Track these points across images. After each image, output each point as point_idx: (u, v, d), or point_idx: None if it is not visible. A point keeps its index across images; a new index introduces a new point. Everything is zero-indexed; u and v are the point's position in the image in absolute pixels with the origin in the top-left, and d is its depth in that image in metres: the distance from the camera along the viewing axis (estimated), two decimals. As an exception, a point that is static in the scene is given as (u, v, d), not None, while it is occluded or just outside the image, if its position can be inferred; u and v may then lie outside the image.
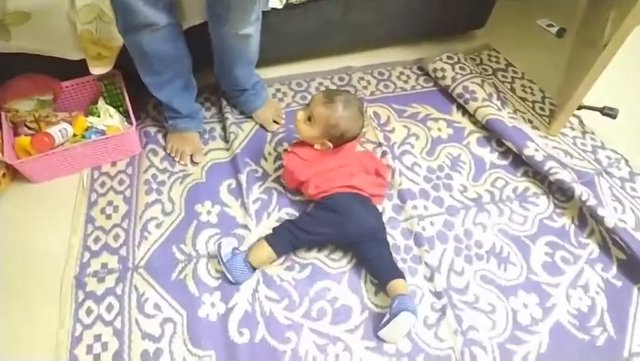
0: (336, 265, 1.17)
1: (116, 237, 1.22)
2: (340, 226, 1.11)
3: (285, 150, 1.28)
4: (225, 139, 1.45)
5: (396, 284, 1.05)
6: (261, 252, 1.11)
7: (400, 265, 1.16)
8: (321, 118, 1.11)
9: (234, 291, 1.11)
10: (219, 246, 1.10)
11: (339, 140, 1.14)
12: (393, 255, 1.16)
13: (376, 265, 1.10)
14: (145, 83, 1.23)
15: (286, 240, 1.11)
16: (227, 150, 1.42)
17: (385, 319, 1.03)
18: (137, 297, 1.11)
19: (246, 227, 1.23)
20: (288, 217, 1.25)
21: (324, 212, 1.13)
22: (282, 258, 1.17)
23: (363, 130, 1.46)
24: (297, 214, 1.25)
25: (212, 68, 1.41)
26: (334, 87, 1.61)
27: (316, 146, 1.15)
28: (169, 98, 1.30)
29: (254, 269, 1.11)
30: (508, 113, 1.50)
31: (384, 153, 1.41)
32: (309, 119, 1.12)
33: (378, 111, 1.55)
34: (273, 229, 1.14)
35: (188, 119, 1.37)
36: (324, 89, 1.58)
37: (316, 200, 1.18)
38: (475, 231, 1.24)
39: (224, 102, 1.52)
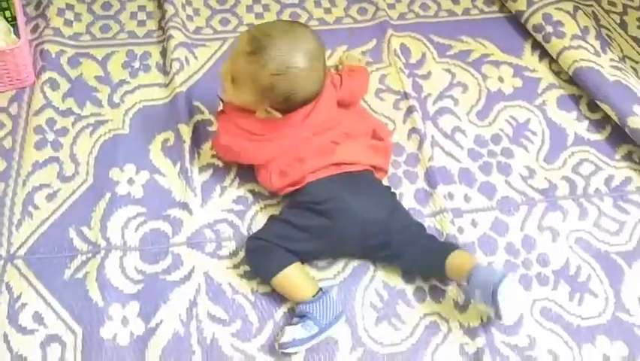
0: (321, 275, 1.17)
1: (-16, 208, 1.22)
2: (332, 235, 1.12)
3: (220, 112, 1.27)
4: (164, 70, 1.44)
5: (458, 258, 1.09)
6: (291, 285, 1.11)
7: (418, 282, 1.16)
8: (245, 78, 1.10)
9: (160, 303, 1.12)
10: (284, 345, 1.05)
11: (288, 104, 1.14)
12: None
13: (415, 265, 1.14)
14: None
15: (278, 247, 1.12)
16: (166, 86, 1.41)
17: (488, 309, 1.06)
18: (10, 301, 1.11)
19: (185, 207, 1.23)
20: (251, 196, 1.26)
21: (301, 216, 1.14)
22: (239, 258, 1.18)
23: (383, 73, 1.46)
24: (268, 192, 1.26)
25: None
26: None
27: (258, 114, 1.15)
28: None
29: (322, 292, 1.09)
30: (611, 60, 1.48)
31: (410, 110, 1.40)
32: (233, 78, 1.13)
33: (407, 44, 1.54)
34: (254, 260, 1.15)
35: None
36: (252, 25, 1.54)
37: (285, 194, 1.19)
38: (540, 239, 1.24)
39: (170, 10, 1.51)
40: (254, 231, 1.20)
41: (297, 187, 1.16)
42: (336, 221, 1.12)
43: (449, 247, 1.13)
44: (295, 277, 1.11)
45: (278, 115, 1.14)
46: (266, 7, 1.62)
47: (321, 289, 1.10)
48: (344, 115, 1.25)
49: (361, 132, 1.24)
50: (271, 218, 1.19)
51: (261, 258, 1.13)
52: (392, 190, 1.23)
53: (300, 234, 1.12)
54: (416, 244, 1.14)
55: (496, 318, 1.05)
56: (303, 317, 1.06)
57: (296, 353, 1.06)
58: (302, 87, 1.12)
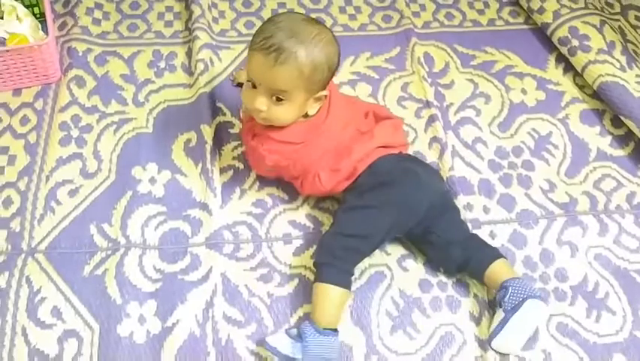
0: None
1: (7, 202, 1.23)
2: (402, 201, 1.11)
3: (249, 135, 1.20)
4: (189, 70, 1.44)
5: (499, 267, 1.11)
6: (326, 302, 1.07)
7: (434, 292, 1.16)
8: (292, 82, 1.06)
9: (177, 302, 1.12)
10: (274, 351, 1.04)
11: (331, 74, 1.12)
12: (428, 277, 1.18)
13: (459, 248, 1.14)
14: None
15: (344, 261, 1.11)
16: (191, 86, 1.42)
17: (498, 320, 1.06)
18: (29, 294, 1.12)
19: (205, 208, 1.24)
20: (271, 200, 1.26)
21: (369, 193, 1.13)
22: (256, 261, 1.19)
23: (406, 81, 1.46)
24: (288, 197, 1.26)
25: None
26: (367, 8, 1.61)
27: (311, 111, 1.14)
28: None
29: (333, 331, 1.06)
30: (637, 76, 1.47)
31: (431, 119, 1.40)
32: (277, 98, 1.08)
33: (431, 53, 1.54)
34: (316, 256, 1.14)
35: None
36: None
37: (342, 191, 1.18)
38: (558, 254, 1.23)
39: (197, 11, 1.51)
40: (272, 235, 1.21)
41: (352, 179, 1.15)
42: (407, 186, 1.12)
43: (493, 252, 1.15)
44: (331, 299, 1.08)
45: (326, 92, 1.13)
46: (291, 11, 1.62)
47: (336, 329, 1.07)
48: (348, 103, 1.24)
49: (366, 115, 1.23)
50: (341, 210, 1.17)
51: (330, 258, 1.10)
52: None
53: (372, 213, 1.11)
54: (463, 238, 1.16)
55: (494, 334, 1.06)
56: (301, 335, 1.04)
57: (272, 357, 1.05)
58: (332, 53, 1.10)
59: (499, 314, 1.08)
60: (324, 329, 1.04)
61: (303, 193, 1.24)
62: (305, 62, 1.05)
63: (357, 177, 1.15)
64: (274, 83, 1.06)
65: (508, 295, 1.07)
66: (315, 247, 1.18)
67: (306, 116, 1.14)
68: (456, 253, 1.14)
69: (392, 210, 1.12)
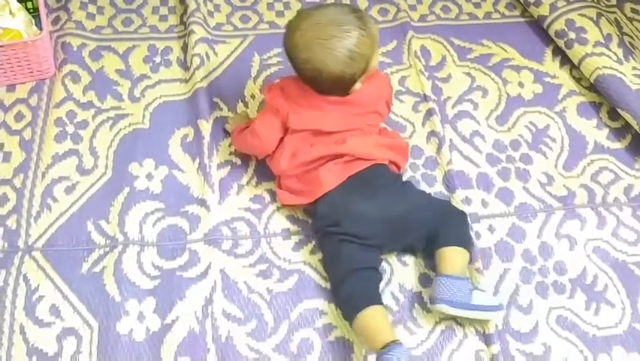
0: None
1: (3, 200, 1.22)
2: (360, 237, 1.12)
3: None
4: (185, 65, 1.44)
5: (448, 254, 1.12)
6: (377, 323, 1.05)
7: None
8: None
9: (176, 299, 1.12)
10: None
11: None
12: (428, 272, 1.17)
13: (430, 211, 1.16)
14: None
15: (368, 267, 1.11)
16: (187, 81, 1.41)
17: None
18: (27, 292, 1.11)
19: (203, 203, 1.23)
20: (268, 196, 1.25)
21: (327, 238, 1.15)
22: (255, 257, 1.18)
23: (403, 75, 1.45)
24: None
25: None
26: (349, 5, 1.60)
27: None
28: None
29: (394, 345, 1.00)
30: (634, 68, 1.46)
31: (429, 113, 1.39)
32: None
33: (428, 46, 1.53)
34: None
35: None
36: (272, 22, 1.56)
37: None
38: (557, 247, 1.23)
39: (192, 5, 1.51)
40: (270, 231, 1.21)
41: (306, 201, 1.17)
42: (361, 227, 1.12)
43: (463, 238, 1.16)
44: (374, 321, 1.05)
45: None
46: (287, 5, 1.61)
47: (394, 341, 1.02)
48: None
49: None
50: (326, 245, 1.16)
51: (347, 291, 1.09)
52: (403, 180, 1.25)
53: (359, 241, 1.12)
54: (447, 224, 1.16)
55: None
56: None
57: None
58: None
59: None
60: (382, 349, 0.99)
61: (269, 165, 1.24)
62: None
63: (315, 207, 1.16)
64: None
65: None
66: (313, 242, 1.19)
67: None
68: (427, 215, 1.15)
69: (378, 235, 1.13)
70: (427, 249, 1.17)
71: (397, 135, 1.32)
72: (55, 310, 1.10)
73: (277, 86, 1.21)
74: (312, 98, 1.17)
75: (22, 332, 1.07)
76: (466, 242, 1.16)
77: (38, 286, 1.12)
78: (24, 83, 1.39)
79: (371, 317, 1.05)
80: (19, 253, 1.15)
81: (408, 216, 1.15)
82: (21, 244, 1.17)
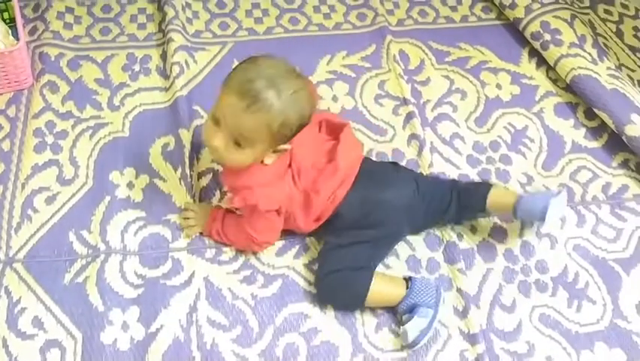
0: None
1: (-17, 211, 1.21)
2: (384, 235, 1.15)
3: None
4: (165, 73, 1.44)
5: (498, 194, 1.19)
6: (380, 295, 1.12)
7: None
8: (256, 131, 1.00)
9: (160, 308, 1.11)
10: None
11: (300, 127, 1.06)
12: (411, 274, 1.17)
13: (458, 212, 1.20)
14: None
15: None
16: (167, 89, 1.41)
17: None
18: (9, 305, 1.10)
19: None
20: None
21: (347, 232, 1.14)
22: (239, 263, 1.18)
23: (382, 79, 1.46)
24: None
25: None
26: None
27: (268, 160, 1.07)
28: None
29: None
30: (608, 68, 1.49)
31: (409, 116, 1.40)
32: (237, 143, 1.02)
33: (406, 50, 1.54)
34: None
35: None
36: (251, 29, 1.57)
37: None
38: (538, 246, 1.24)
39: (170, 12, 1.50)
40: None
41: (324, 220, 1.14)
42: (383, 222, 1.14)
43: (485, 187, 1.20)
44: (383, 286, 1.12)
45: (288, 147, 1.07)
46: (265, 12, 1.62)
47: (404, 278, 1.13)
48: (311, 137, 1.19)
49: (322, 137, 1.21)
50: (326, 249, 1.17)
51: (343, 290, 1.11)
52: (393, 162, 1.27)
53: (361, 245, 1.13)
54: (455, 193, 1.19)
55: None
56: (412, 310, 1.09)
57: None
58: (308, 108, 1.05)
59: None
60: (407, 289, 1.10)
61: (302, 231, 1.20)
62: (276, 118, 1.00)
63: (334, 215, 1.13)
64: (239, 128, 1.00)
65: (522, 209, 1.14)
66: (297, 247, 1.19)
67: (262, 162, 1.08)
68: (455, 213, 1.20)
69: (375, 243, 1.15)
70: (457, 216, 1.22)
71: (333, 115, 1.34)
72: (37, 322, 1.09)
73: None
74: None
75: (5, 345, 1.06)
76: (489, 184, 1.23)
77: (20, 298, 1.11)
78: (1, 94, 1.38)
79: (376, 291, 1.10)
80: (0, 266, 1.14)
81: (414, 195, 1.17)
82: (2, 256, 1.15)
